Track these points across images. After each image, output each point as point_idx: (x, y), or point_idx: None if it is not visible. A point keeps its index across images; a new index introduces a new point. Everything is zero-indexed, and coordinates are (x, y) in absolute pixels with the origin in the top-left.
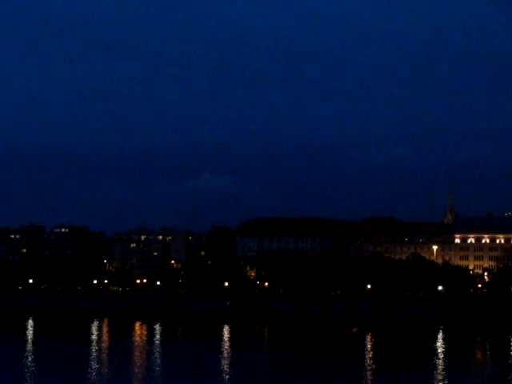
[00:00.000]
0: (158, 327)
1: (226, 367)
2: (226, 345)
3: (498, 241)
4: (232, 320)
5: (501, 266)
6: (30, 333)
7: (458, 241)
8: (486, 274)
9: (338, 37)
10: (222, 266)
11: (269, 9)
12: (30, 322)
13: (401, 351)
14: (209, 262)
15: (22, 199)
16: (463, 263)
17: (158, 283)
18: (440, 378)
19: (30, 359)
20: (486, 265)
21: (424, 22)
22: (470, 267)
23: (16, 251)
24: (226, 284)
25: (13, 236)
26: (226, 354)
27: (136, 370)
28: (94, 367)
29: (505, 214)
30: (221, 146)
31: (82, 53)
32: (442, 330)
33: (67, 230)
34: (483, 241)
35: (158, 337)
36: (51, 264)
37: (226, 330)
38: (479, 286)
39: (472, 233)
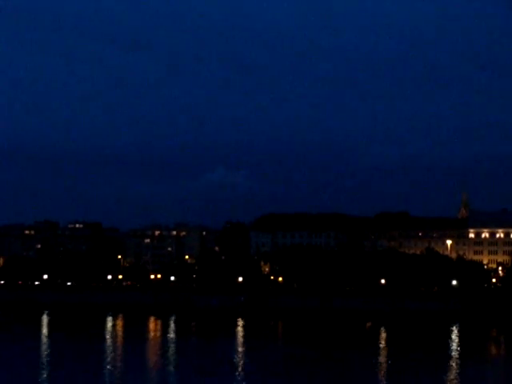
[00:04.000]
0: (171, 322)
1: (240, 362)
2: (240, 340)
3: None
4: (246, 315)
5: None
6: (44, 328)
7: (472, 235)
8: (500, 268)
9: (351, 33)
10: (235, 261)
11: (283, 6)
12: (45, 317)
13: (415, 346)
14: (223, 258)
15: (36, 195)
16: (477, 258)
17: (172, 278)
18: (455, 372)
19: (44, 354)
20: (500, 259)
21: (434, 18)
22: (484, 262)
23: (31, 247)
24: (240, 279)
25: (27, 232)
26: (240, 350)
27: (150, 366)
28: (108, 362)
29: None
30: (235, 142)
31: (93, 50)
32: (456, 324)
33: (81, 226)
34: (497, 235)
35: (171, 332)
36: (66, 260)
37: (239, 325)
38: (493, 280)
39: (486, 227)
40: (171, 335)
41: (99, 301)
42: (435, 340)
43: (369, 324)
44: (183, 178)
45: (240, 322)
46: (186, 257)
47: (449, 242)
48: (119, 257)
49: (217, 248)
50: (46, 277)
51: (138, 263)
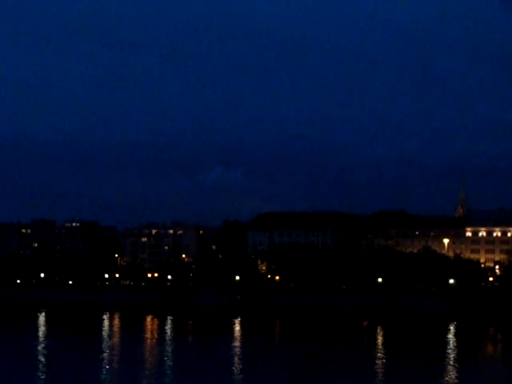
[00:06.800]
0: (168, 321)
1: (236, 361)
2: (237, 339)
3: (509, 234)
4: (243, 314)
5: None
6: (41, 327)
7: (469, 234)
8: (497, 267)
9: (346, 31)
10: (232, 259)
11: (282, 7)
12: (42, 316)
13: (412, 344)
14: (220, 256)
15: (33, 194)
16: (474, 256)
17: (169, 277)
18: (452, 371)
19: (41, 353)
20: (497, 258)
21: (432, 16)
22: (482, 260)
23: (27, 246)
24: (237, 278)
25: (24, 231)
26: (236, 348)
27: (147, 365)
28: (105, 361)
29: None
30: (232, 140)
31: (92, 49)
32: (454, 323)
33: (78, 225)
34: (494, 234)
35: (168, 331)
36: (63, 258)
37: (236, 324)
38: (490, 279)
39: (483, 226)
40: (168, 334)
41: (96, 300)
42: (432, 339)
43: (366, 323)
44: (180, 177)
45: (237, 321)
46: (183, 256)
47: (446, 241)
48: (116, 256)
49: (214, 247)
50: (42, 275)
51: (135, 262)
